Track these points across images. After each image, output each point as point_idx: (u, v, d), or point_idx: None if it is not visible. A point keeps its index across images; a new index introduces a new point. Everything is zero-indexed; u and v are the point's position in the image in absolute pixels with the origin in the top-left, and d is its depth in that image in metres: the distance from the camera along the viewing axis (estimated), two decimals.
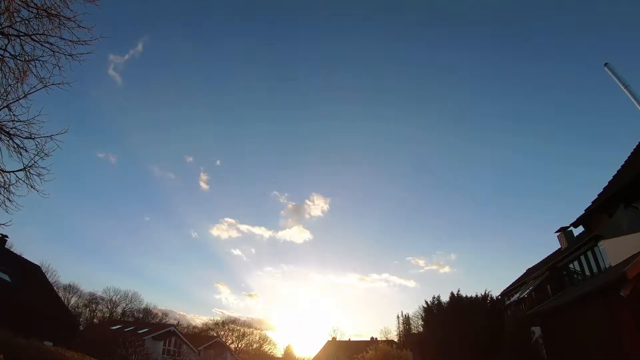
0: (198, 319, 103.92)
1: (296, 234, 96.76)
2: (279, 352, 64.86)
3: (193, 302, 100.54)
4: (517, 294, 22.07)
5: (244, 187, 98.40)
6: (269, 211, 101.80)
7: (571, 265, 17.30)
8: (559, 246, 21.39)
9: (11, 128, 6.97)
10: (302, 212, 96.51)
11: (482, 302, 20.93)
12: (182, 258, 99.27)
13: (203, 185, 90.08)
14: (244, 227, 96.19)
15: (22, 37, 6.37)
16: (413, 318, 46.60)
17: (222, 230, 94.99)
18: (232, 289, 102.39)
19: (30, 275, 25.03)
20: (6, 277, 20.96)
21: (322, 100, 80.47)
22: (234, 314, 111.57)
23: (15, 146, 7.07)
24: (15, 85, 6.58)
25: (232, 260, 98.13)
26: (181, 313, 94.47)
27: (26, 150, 7.15)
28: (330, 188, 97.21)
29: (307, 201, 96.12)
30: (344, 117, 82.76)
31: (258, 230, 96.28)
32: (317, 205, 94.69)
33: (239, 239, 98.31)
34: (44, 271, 31.40)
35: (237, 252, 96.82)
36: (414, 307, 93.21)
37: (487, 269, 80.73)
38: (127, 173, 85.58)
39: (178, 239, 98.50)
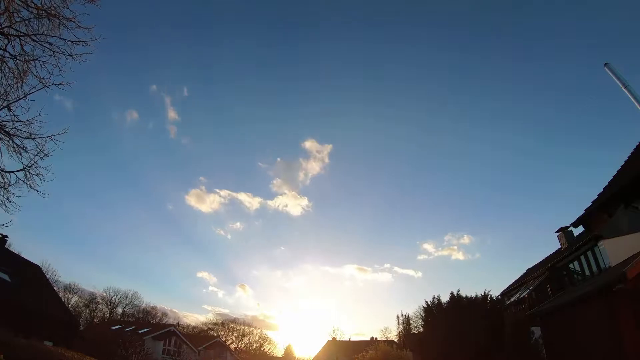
0: (191, 316, 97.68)
1: (291, 201, 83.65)
2: (279, 352, 64.98)
3: (181, 298, 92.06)
4: (517, 294, 22.06)
5: (220, 134, 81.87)
6: (254, 171, 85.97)
7: (571, 265, 17.29)
8: (559, 246, 21.38)
9: (11, 128, 6.98)
10: (294, 169, 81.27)
11: (482, 302, 20.93)
12: (159, 240, 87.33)
13: (171, 129, 77.43)
14: (225, 193, 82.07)
15: (22, 37, 6.36)
16: (413, 318, 46.56)
17: (200, 198, 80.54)
18: (218, 279, 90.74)
19: (30, 275, 25.01)
20: (6, 277, 20.95)
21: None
22: (225, 310, 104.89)
23: (15, 146, 7.08)
24: (15, 86, 6.58)
25: (216, 242, 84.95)
26: (174, 310, 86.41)
27: (26, 151, 7.17)
28: (329, 132, 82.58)
29: (300, 149, 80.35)
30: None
31: (244, 198, 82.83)
32: (314, 157, 79.01)
33: (222, 211, 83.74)
34: (44, 271, 31.39)
35: (220, 231, 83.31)
36: (422, 300, 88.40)
37: (487, 268, 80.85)
38: (86, 118, 72.01)
39: (151, 214, 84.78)
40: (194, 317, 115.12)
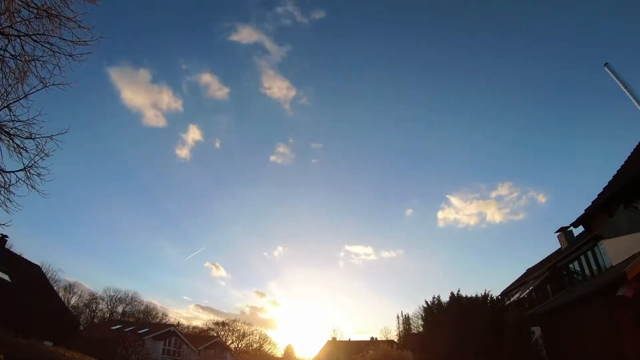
0: (172, 311, 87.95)
1: (275, 87, 59.11)
2: (279, 352, 64.99)
3: (155, 285, 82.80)
4: (517, 294, 22.07)
5: None
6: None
7: (571, 265, 17.31)
8: (559, 246, 21.40)
9: (11, 128, 6.99)
10: None
11: (482, 302, 20.92)
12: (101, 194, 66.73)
13: None
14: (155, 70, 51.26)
15: (22, 37, 6.37)
16: (413, 318, 46.59)
17: (126, 76, 51.56)
18: (180, 249, 74.82)
19: (31, 275, 25.02)
20: (6, 277, 20.95)
21: None
22: (205, 301, 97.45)
23: (16, 146, 7.09)
24: (16, 86, 6.59)
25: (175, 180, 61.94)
26: (153, 302, 78.13)
27: (26, 151, 7.18)
28: None
29: None
30: None
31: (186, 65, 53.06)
32: None
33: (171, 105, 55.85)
34: (44, 271, 31.41)
35: (176, 151, 58.09)
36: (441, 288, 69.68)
37: (486, 269, 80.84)
38: None
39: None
40: (176, 311, 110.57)
